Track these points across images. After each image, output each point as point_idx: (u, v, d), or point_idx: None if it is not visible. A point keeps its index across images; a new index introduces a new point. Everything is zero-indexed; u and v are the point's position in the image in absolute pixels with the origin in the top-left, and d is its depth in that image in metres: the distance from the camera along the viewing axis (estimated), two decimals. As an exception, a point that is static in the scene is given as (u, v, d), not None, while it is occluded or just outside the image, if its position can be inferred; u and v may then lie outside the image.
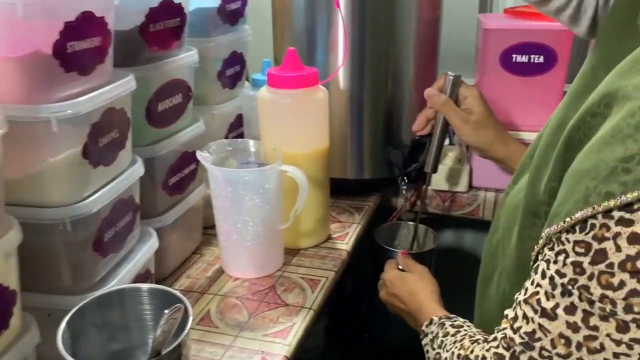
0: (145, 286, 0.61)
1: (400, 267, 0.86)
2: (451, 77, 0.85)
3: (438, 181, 1.10)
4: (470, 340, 0.56)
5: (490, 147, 0.85)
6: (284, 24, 1.01)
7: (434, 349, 0.62)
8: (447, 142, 1.13)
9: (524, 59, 1.01)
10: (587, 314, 0.41)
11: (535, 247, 0.46)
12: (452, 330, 0.61)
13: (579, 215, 0.40)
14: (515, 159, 0.81)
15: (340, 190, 1.04)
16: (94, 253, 0.62)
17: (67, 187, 0.58)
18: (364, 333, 1.43)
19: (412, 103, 1.03)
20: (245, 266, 0.83)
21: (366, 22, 0.95)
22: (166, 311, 0.50)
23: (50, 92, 0.55)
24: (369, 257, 1.00)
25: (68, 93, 0.57)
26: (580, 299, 0.41)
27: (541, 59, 1.00)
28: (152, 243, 0.73)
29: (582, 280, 0.41)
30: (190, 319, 0.54)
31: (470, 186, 1.10)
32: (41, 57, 0.54)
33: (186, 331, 0.53)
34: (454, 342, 0.58)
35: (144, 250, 0.71)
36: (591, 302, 0.40)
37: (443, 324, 0.64)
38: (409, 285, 0.80)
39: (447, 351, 0.57)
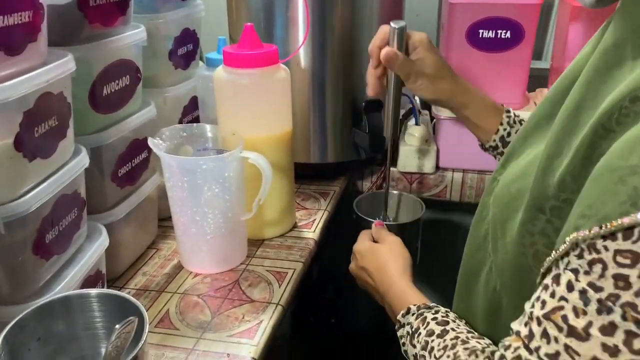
0: (93, 291, 0.55)
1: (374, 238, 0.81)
2: (396, 28, 0.74)
3: (404, 162, 1.06)
4: (465, 351, 0.49)
5: (451, 97, 0.77)
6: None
7: (414, 346, 0.56)
8: (412, 122, 1.10)
9: (490, 34, 0.98)
10: (631, 336, 0.34)
11: (553, 253, 0.40)
12: (437, 329, 0.54)
13: (625, 220, 0.34)
14: (477, 106, 0.78)
15: (304, 176, 1.00)
16: (34, 256, 0.55)
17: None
18: (330, 319, 1.41)
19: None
20: (205, 261, 0.77)
21: (326, -3, 0.89)
22: (117, 326, 0.44)
23: (-28, 75, 0.48)
24: (334, 241, 0.96)
25: (-7, 76, 0.49)
26: (624, 318, 0.35)
27: (508, 34, 0.97)
28: (102, 241, 0.66)
29: (627, 296, 0.34)
30: (147, 327, 0.49)
31: (437, 167, 1.07)
32: (-42, 34, 0.46)
33: (142, 342, 0.47)
34: (444, 349, 0.51)
35: (93, 250, 0.64)
36: (638, 322, 0.34)
37: (424, 318, 0.57)
38: (378, 258, 0.74)
39: (437, 358, 0.51)
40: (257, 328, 0.66)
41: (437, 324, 0.55)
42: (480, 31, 0.97)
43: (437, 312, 0.58)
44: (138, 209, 0.77)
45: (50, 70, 0.55)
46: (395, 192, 0.95)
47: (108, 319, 0.54)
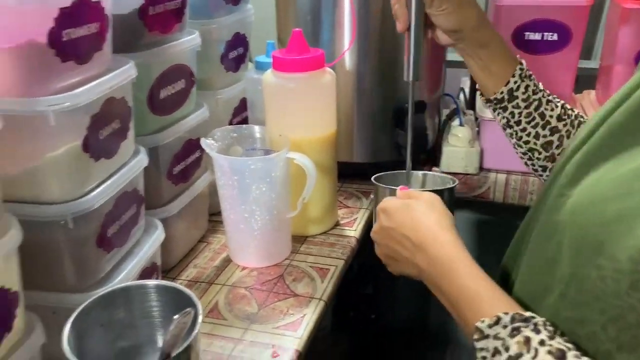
0: (151, 282, 0.59)
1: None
2: None
3: (448, 163, 1.07)
4: None
5: (475, 30, 0.68)
6: (288, 3, 0.98)
7: None
8: (456, 122, 1.11)
9: (537, 36, 0.98)
10: None
11: None
12: None
13: None
14: (496, 46, 0.70)
15: (346, 175, 1.02)
16: (97, 249, 0.60)
17: (68, 183, 0.56)
18: (370, 314, 1.43)
19: (421, 83, 1.00)
20: (253, 255, 0.81)
21: (370, 1, 0.91)
22: (176, 316, 0.48)
23: (47, 83, 0.52)
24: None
25: (65, 84, 0.54)
26: None
27: (555, 37, 0.97)
28: (158, 235, 0.71)
29: None
30: (200, 318, 0.52)
31: (481, 168, 1.08)
32: (35, 46, 0.51)
33: (195, 332, 0.51)
34: None
35: (150, 243, 0.69)
36: None
37: (527, 339, 0.44)
38: (414, 214, 0.60)
39: None
40: (300, 321, 0.69)
41: (554, 357, 0.42)
42: (527, 33, 0.97)
43: (538, 329, 0.44)
44: (190, 204, 0.82)
45: (114, 77, 0.59)
46: (419, 172, 0.81)
47: (164, 309, 0.59)
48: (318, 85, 0.81)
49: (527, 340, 0.44)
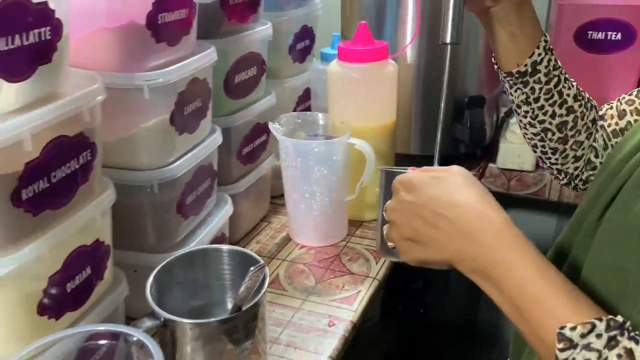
0: (225, 247, 0.64)
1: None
2: None
3: (504, 159, 1.09)
4: None
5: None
6: (354, -2, 1.02)
7: None
8: (514, 119, 1.12)
9: (600, 35, 0.98)
10: None
11: None
12: None
13: None
14: (527, 10, 0.65)
15: (402, 166, 1.05)
16: (177, 215, 0.66)
17: (156, 152, 0.62)
18: (419, 309, 1.45)
19: (482, 80, 1.02)
20: (311, 235, 0.85)
21: (436, -4, 0.94)
22: (252, 268, 0.53)
23: (143, 61, 0.59)
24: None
25: (157, 63, 0.60)
26: None
27: (619, 36, 0.97)
28: (228, 208, 0.76)
29: None
30: (267, 279, 0.57)
31: (537, 165, 1.09)
32: (135, 27, 0.57)
33: (264, 290, 0.56)
34: None
35: (220, 215, 0.75)
36: None
37: (629, 352, 0.38)
38: (449, 188, 0.49)
39: None
40: (355, 297, 0.74)
41: None
42: (589, 32, 0.98)
43: (637, 339, 0.39)
44: (256, 184, 0.87)
45: (198, 60, 0.65)
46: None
47: (234, 273, 0.64)
48: (380, 76, 0.85)
49: (630, 353, 0.38)
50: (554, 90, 0.69)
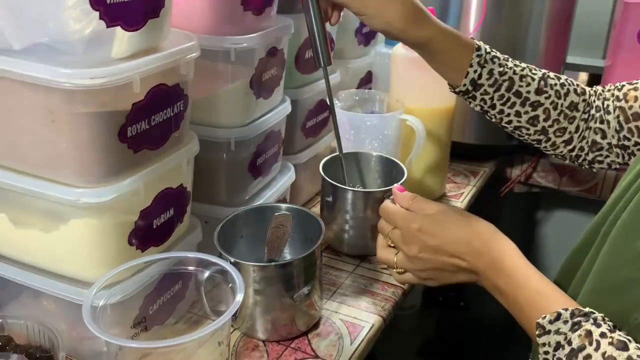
0: (284, 205, 0.69)
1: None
2: None
3: (556, 154, 1.10)
4: None
5: (404, 31, 0.64)
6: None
7: None
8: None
9: (664, 35, 0.98)
10: None
11: None
12: (618, 356, 0.44)
13: None
14: (441, 42, 0.66)
15: (457, 154, 1.08)
16: (247, 173, 0.72)
17: (236, 112, 0.68)
18: (459, 301, 1.47)
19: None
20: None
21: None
22: (276, 214, 0.59)
23: (232, 27, 0.64)
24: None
25: (244, 29, 0.65)
26: None
27: (684, 37, 0.97)
28: (290, 175, 0.81)
29: None
30: (323, 234, 0.62)
31: (590, 162, 1.09)
32: (227, -4, 0.63)
33: (320, 240, 0.61)
34: None
35: (284, 180, 0.80)
36: None
37: (588, 332, 0.46)
38: (450, 229, 0.59)
39: None
40: (407, 266, 0.77)
41: (616, 348, 0.44)
42: (654, 31, 0.98)
43: (599, 323, 0.47)
44: (315, 158, 0.92)
45: (278, 30, 0.70)
46: (350, 152, 0.81)
47: (294, 230, 0.68)
48: (443, 61, 0.88)
49: (589, 334, 0.46)
50: (508, 94, 0.68)
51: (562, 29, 1.05)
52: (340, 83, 0.95)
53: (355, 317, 0.68)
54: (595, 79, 1.34)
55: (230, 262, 0.58)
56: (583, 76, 1.47)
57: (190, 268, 0.55)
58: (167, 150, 0.58)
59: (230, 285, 0.52)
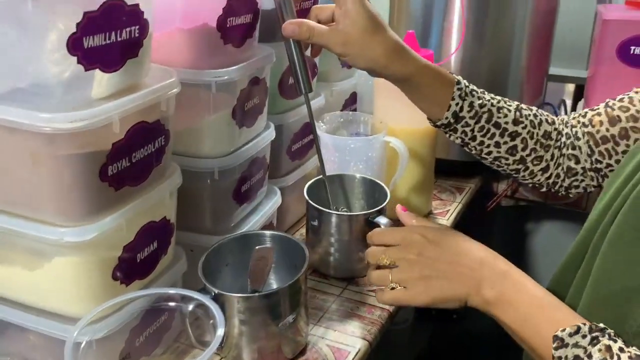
0: (268, 232, 0.70)
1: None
2: None
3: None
4: None
5: (386, 67, 0.65)
6: (401, 8, 1.07)
7: None
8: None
9: (642, 51, 1.00)
10: None
11: None
12: None
13: None
14: (422, 77, 0.66)
15: (442, 171, 1.09)
16: (232, 201, 0.73)
17: (218, 142, 0.69)
18: (452, 314, 1.47)
19: (522, 91, 1.05)
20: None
21: (482, 9, 0.98)
22: (257, 247, 0.60)
23: (212, 60, 0.65)
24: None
25: (224, 62, 0.66)
26: None
27: (662, 52, 0.99)
28: (277, 199, 0.82)
29: None
30: (307, 261, 0.63)
31: (575, 176, 1.11)
32: (207, 29, 0.64)
33: (304, 269, 0.62)
34: None
35: (270, 205, 0.80)
36: None
37: (608, 347, 0.47)
38: (453, 238, 0.61)
39: None
40: (393, 288, 0.78)
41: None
42: (632, 47, 1.00)
43: (614, 338, 0.48)
44: (301, 180, 0.93)
45: (259, 61, 0.72)
46: (333, 175, 0.82)
47: (278, 256, 0.69)
48: (425, 83, 0.90)
49: (609, 348, 0.47)
50: (488, 126, 0.70)
51: (543, 43, 1.07)
52: (325, 105, 0.96)
53: (342, 342, 0.68)
54: (580, 89, 1.36)
55: (214, 294, 0.59)
56: (570, 87, 1.50)
57: (172, 304, 0.56)
58: (150, 185, 0.58)
59: (211, 321, 0.52)
